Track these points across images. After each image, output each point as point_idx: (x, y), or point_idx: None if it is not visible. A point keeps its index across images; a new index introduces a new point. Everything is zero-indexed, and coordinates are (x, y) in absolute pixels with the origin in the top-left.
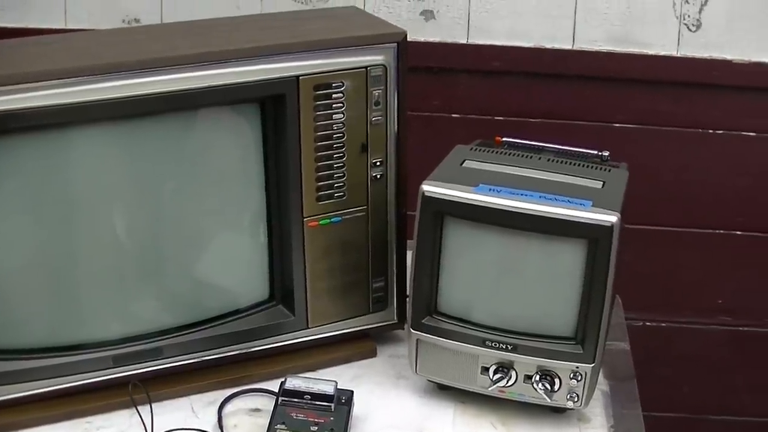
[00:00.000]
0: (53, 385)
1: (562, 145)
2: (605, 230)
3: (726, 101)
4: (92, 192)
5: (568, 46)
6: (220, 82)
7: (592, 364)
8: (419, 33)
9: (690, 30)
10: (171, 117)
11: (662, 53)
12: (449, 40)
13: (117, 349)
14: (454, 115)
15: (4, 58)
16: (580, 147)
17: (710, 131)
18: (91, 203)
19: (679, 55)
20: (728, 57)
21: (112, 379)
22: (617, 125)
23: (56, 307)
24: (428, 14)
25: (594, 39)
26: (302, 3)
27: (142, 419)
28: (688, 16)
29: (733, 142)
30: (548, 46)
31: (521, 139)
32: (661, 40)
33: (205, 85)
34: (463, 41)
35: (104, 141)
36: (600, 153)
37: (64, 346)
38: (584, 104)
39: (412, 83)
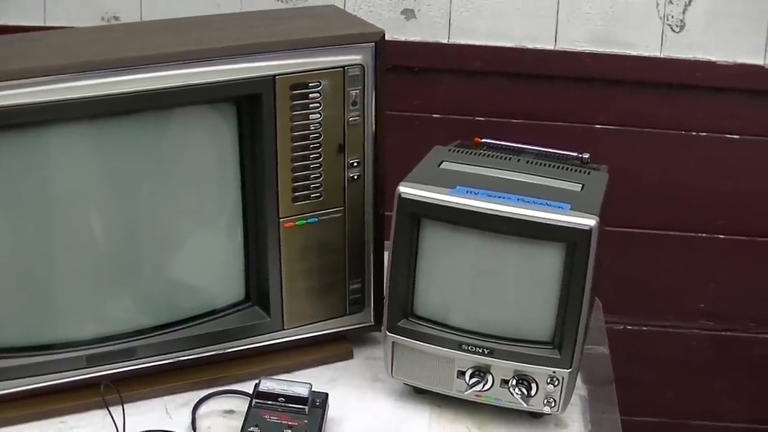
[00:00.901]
0: (27, 385)
1: (543, 146)
2: (583, 234)
3: (709, 103)
4: (68, 191)
5: (550, 47)
6: (197, 81)
7: (569, 369)
8: (400, 32)
9: (673, 31)
10: (147, 116)
11: (645, 54)
12: (430, 39)
13: (91, 349)
14: (434, 116)
15: None
16: (560, 149)
17: (693, 133)
18: (67, 202)
19: (662, 56)
20: (712, 58)
21: (85, 379)
22: (599, 126)
23: (30, 306)
24: (409, 13)
25: (576, 39)
26: (282, 2)
27: (113, 420)
28: (672, 16)
29: (715, 144)
30: (530, 46)
31: (502, 140)
32: (644, 41)
33: (182, 83)
34: (445, 41)
35: (80, 139)
36: (580, 155)
37: (37, 346)
38: (566, 105)
39: (393, 83)
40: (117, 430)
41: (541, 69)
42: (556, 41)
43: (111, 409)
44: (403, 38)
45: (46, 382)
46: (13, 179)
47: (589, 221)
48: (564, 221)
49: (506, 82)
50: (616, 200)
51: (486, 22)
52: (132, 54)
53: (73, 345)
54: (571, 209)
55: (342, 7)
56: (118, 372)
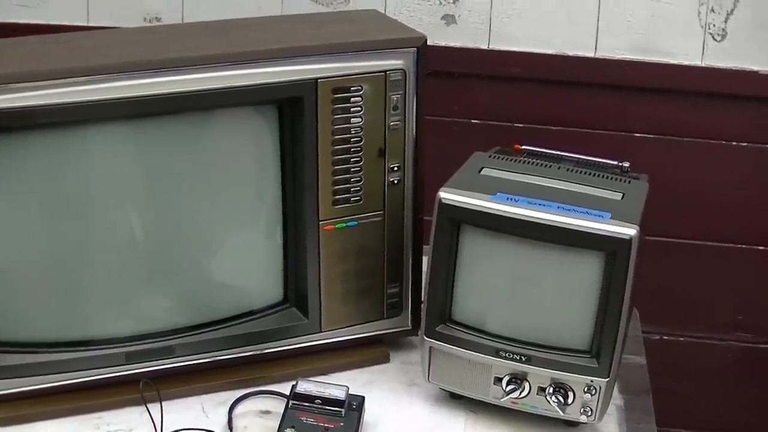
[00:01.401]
0: (65, 380)
1: (582, 154)
2: (624, 243)
3: (750, 112)
4: (107, 189)
5: (590, 54)
6: (239, 83)
7: (607, 379)
8: (440, 37)
9: (715, 39)
10: (188, 117)
11: (686, 63)
12: (470, 45)
13: (129, 346)
14: (473, 121)
15: (25, 55)
16: (600, 157)
17: (733, 143)
18: (107, 201)
19: (703, 64)
20: (754, 68)
21: (123, 375)
22: (638, 135)
23: (69, 302)
24: (449, 19)
25: (617, 47)
26: (323, 5)
27: (151, 417)
28: (714, 25)
29: (755, 155)
30: (570, 53)
31: (540, 147)
32: (685, 50)
33: (224, 85)
34: (485, 47)
35: (121, 139)
36: (620, 163)
37: (76, 341)
38: (605, 113)
39: (432, 88)
40: (154, 427)
41: (581, 76)
42: (596, 49)
43: (148, 406)
44: (443, 43)
45: (84, 377)
46: (55, 177)
47: (630, 230)
48: (604, 230)
49: (545, 88)
50: (653, 209)
51: (526, 28)
52: (174, 55)
53: (112, 342)
54: (611, 218)
55: (383, 12)
56: (156, 370)
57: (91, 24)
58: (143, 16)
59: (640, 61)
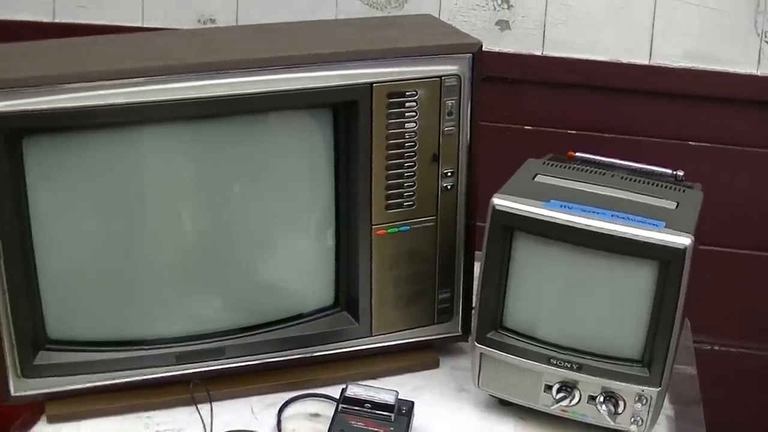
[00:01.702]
0: (116, 379)
1: (635, 162)
2: (678, 253)
3: None
4: (161, 190)
5: (644, 62)
6: (294, 87)
7: (659, 388)
8: (494, 43)
9: None
10: (244, 119)
11: (741, 71)
12: (524, 51)
13: (180, 346)
14: (525, 127)
15: (79, 55)
16: (653, 165)
17: None
18: (160, 201)
19: (759, 73)
20: None
21: (174, 376)
22: (692, 143)
23: (121, 301)
24: (504, 24)
25: (672, 55)
26: (377, 9)
27: (201, 418)
28: None
29: None
30: (624, 60)
31: (593, 154)
32: (740, 58)
33: (279, 88)
34: (538, 53)
35: (176, 140)
36: (674, 172)
37: (127, 341)
38: (659, 121)
39: (485, 93)
40: (204, 427)
41: (635, 84)
42: (650, 56)
43: (198, 407)
44: (497, 49)
45: (135, 377)
46: (113, 177)
47: (684, 240)
48: (658, 239)
49: (599, 95)
50: (707, 218)
51: (580, 35)
52: (230, 57)
53: (163, 342)
54: (665, 227)
55: (437, 16)
56: (206, 370)
57: (145, 25)
58: (198, 18)
59: (695, 69)
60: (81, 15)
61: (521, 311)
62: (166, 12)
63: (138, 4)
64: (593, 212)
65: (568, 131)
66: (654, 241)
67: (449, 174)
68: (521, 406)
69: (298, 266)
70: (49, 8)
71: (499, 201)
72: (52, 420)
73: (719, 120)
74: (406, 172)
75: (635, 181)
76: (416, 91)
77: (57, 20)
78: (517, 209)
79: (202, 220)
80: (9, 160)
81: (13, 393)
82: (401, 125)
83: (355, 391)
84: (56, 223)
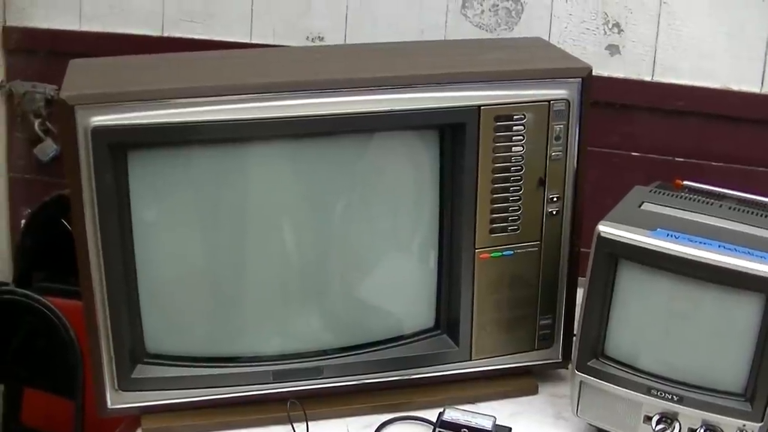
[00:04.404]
0: (212, 395)
1: (744, 191)
2: None
3: None
4: (264, 207)
5: (756, 90)
6: (402, 107)
7: (760, 423)
8: (603, 67)
9: None
10: (349, 138)
11: None
12: (633, 76)
13: (278, 364)
14: (633, 153)
15: (187, 71)
16: (763, 195)
17: None
18: (262, 218)
19: None
20: None
21: (270, 394)
22: None
23: (220, 317)
24: (614, 49)
25: None
26: (486, 31)
27: None
28: None
29: None
30: (735, 88)
31: (700, 182)
32: None
33: (387, 108)
34: (648, 78)
35: (280, 158)
36: None
37: (225, 357)
38: None
39: (591, 118)
40: None
41: (745, 112)
42: (762, 84)
43: (294, 426)
44: (606, 74)
45: (231, 393)
46: (213, 193)
47: None
48: (767, 272)
49: (708, 123)
50: None
51: (691, 61)
52: (338, 76)
53: (260, 359)
54: None
55: (547, 39)
56: (303, 389)
57: (253, 41)
58: (306, 35)
59: None
60: (189, 30)
61: (623, 340)
62: (274, 29)
63: (247, 20)
64: (701, 242)
65: (675, 159)
66: (762, 274)
67: (555, 199)
68: None
69: (399, 287)
70: (158, 22)
71: (605, 228)
72: None
73: None
74: (512, 196)
75: (744, 211)
76: (524, 115)
77: (165, 34)
78: (623, 237)
79: (304, 238)
80: (114, 173)
81: (109, 406)
82: (508, 149)
83: (452, 415)
84: (158, 237)
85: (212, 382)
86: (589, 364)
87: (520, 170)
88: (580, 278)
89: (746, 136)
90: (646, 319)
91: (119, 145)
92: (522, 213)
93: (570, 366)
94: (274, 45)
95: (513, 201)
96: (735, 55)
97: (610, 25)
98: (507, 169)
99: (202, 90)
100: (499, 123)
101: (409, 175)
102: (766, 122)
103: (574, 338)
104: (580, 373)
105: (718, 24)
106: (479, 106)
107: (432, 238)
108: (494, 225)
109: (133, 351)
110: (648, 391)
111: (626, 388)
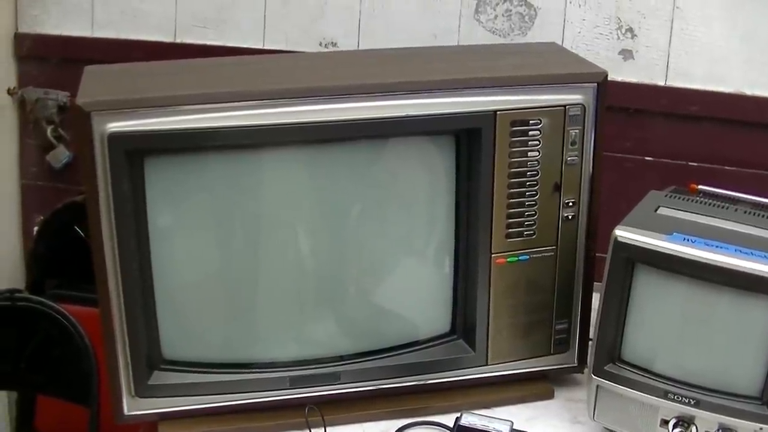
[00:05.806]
0: (230, 401)
1: (759, 196)
2: None
3: None
4: (279, 213)
5: None
6: (417, 113)
7: None
8: (616, 72)
9: None
10: (364, 144)
11: None
12: (647, 81)
13: (295, 370)
14: (646, 158)
15: (202, 77)
16: None
17: None
18: (277, 224)
19: None
20: None
21: (287, 399)
22: None
23: (236, 323)
24: (627, 54)
25: None
26: (500, 36)
27: None
28: None
29: None
30: (749, 92)
31: (715, 187)
32: None
33: (402, 114)
34: (661, 83)
35: (296, 163)
36: None
37: (241, 363)
38: None
39: (605, 122)
40: None
41: (759, 117)
42: None
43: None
44: (619, 78)
45: (248, 399)
46: (229, 198)
47: None
48: None
49: (722, 128)
50: None
51: (704, 66)
52: (352, 82)
53: (277, 365)
54: None
55: (560, 44)
56: (320, 395)
57: (266, 47)
58: (319, 41)
59: None
60: (202, 36)
61: (639, 344)
62: (287, 35)
63: (260, 26)
64: (717, 246)
65: (690, 163)
66: None
67: (571, 204)
68: None
69: (415, 293)
70: (170, 28)
71: (622, 233)
72: None
73: None
74: (528, 201)
75: (759, 215)
76: (540, 120)
77: (178, 40)
78: (639, 242)
79: (320, 244)
80: (130, 179)
81: (126, 412)
82: (524, 153)
83: (469, 420)
84: (174, 243)
85: (229, 388)
86: (605, 368)
87: (536, 175)
88: (596, 283)
89: (760, 141)
90: (663, 323)
91: (136, 152)
92: (538, 218)
93: (586, 370)
94: (287, 51)
95: (529, 206)
96: (748, 60)
97: (623, 30)
98: (523, 174)
99: (218, 96)
100: (514, 128)
101: (425, 180)
102: None
103: (590, 342)
104: (596, 378)
105: (730, 29)
106: (495, 112)
107: (448, 243)
108: (510, 230)
109: (150, 357)
110: (664, 394)
111: (643, 392)
